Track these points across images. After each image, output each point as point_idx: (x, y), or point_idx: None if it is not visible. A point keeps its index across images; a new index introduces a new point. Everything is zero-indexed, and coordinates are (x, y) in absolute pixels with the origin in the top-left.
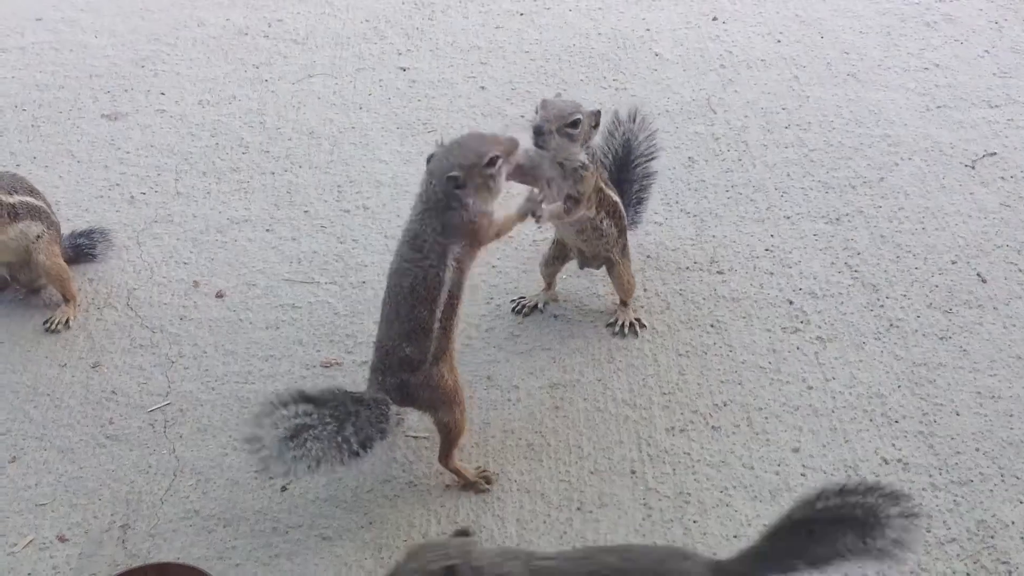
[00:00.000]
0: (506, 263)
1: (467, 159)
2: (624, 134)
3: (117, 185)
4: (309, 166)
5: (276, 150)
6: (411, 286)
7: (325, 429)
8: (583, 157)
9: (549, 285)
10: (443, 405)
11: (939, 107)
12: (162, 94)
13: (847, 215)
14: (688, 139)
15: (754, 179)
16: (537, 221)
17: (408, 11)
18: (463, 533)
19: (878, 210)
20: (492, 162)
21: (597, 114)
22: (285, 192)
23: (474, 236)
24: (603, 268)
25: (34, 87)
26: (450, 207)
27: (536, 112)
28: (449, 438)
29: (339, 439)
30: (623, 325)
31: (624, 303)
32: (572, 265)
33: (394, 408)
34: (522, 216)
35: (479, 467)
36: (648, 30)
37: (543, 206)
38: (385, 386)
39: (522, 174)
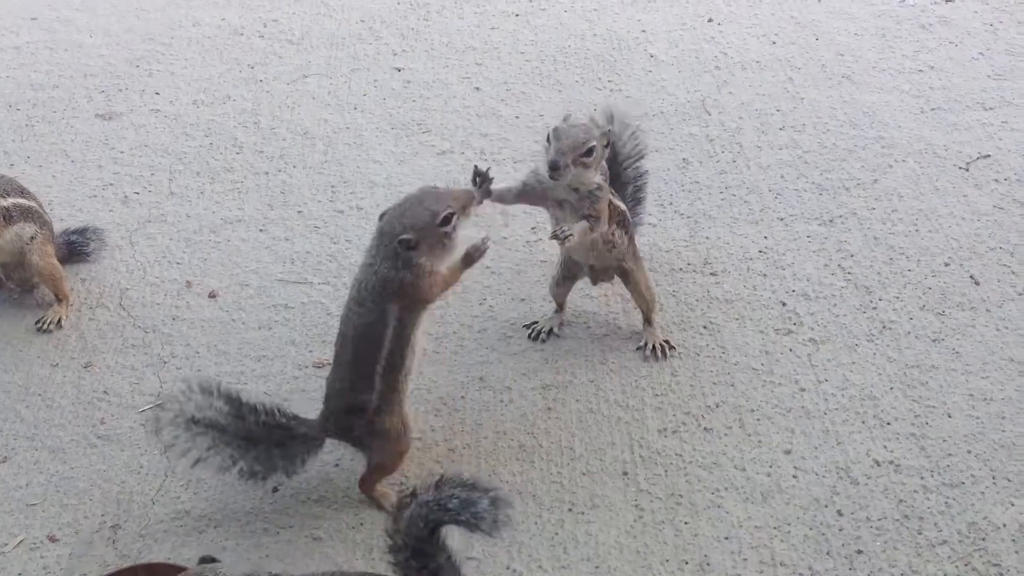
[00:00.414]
0: (500, 264)
1: (420, 219)
2: (606, 137)
3: (111, 185)
4: (303, 166)
5: (270, 150)
6: (354, 336)
7: (227, 440)
8: (599, 179)
9: (560, 306)
10: (382, 451)
11: (933, 109)
12: (157, 94)
13: (841, 217)
14: (682, 140)
15: (748, 181)
16: (563, 243)
17: (403, 11)
18: (207, 560)
19: (872, 212)
20: (447, 220)
21: (608, 134)
22: (279, 192)
23: (417, 296)
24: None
25: (29, 87)
26: (396, 267)
27: (548, 142)
28: (379, 473)
29: (233, 456)
30: (652, 348)
31: (648, 320)
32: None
33: (322, 450)
34: (468, 263)
35: (402, 488)
36: (643, 31)
37: (565, 228)
38: (328, 425)
39: (531, 196)
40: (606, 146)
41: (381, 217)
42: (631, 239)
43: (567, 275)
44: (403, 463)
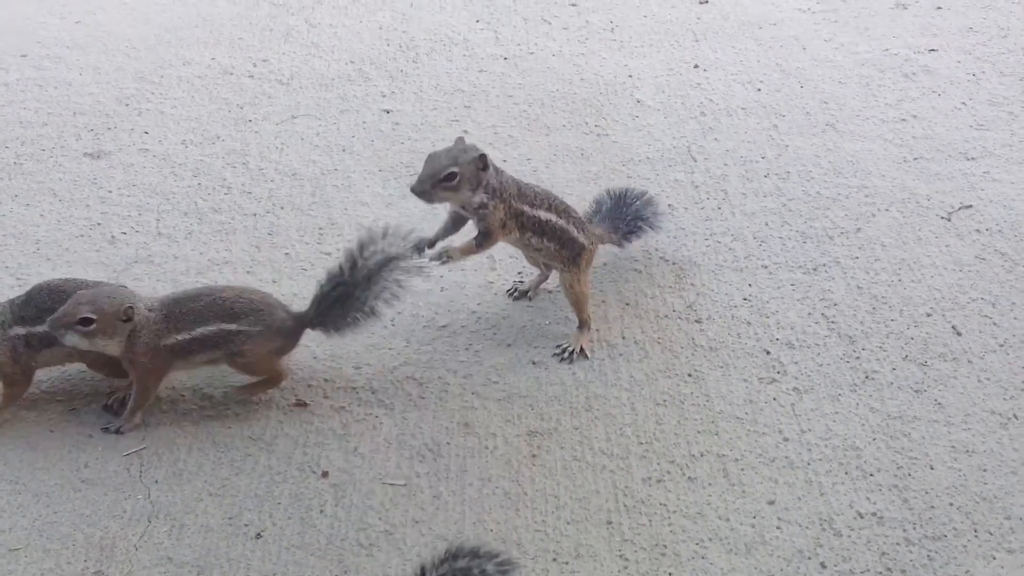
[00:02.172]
0: (486, 309)
1: None
2: (482, 160)
3: (98, 224)
4: (291, 208)
5: (258, 191)
6: None
7: None
8: (479, 198)
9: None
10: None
11: (916, 159)
12: (146, 133)
13: (824, 265)
14: (668, 186)
15: (733, 228)
16: (445, 262)
17: (392, 53)
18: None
19: (855, 261)
20: None
21: (481, 158)
22: (266, 234)
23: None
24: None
25: (17, 124)
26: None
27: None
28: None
29: None
30: (568, 351)
31: (580, 325)
32: (553, 312)
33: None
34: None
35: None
36: (630, 76)
37: (449, 249)
38: None
39: (459, 221)
40: (483, 168)
41: None
42: (564, 246)
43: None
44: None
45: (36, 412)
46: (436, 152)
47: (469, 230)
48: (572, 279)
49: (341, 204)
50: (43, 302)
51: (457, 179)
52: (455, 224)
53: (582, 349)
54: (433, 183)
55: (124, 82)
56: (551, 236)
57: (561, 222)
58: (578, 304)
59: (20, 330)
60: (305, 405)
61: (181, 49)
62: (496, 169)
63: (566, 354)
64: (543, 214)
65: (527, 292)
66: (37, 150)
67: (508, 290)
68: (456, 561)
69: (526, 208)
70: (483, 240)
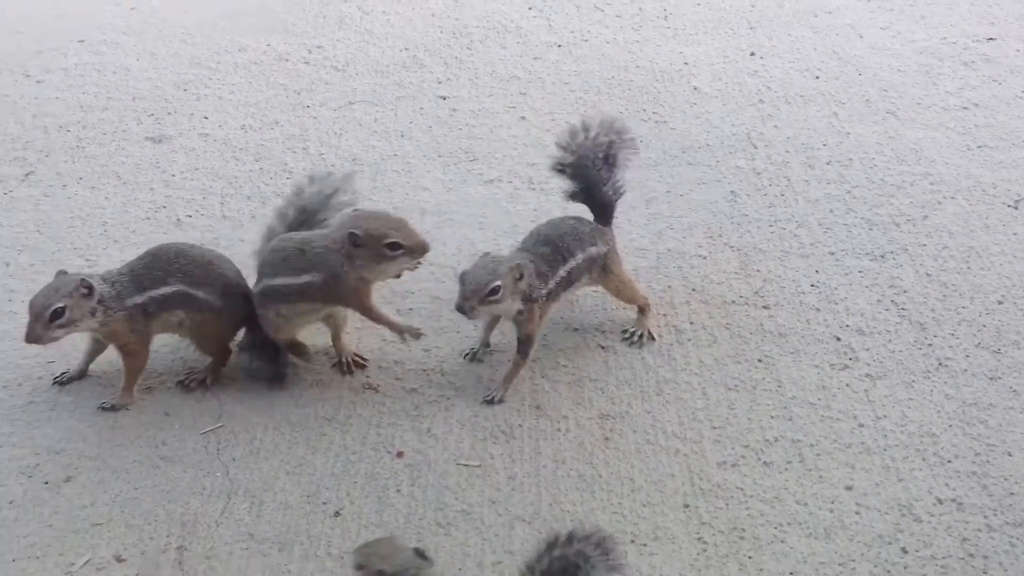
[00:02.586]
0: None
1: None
2: (518, 269)
3: (163, 207)
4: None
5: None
6: None
7: None
8: (518, 306)
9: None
10: None
11: (979, 147)
12: (205, 118)
13: (892, 252)
14: (730, 173)
15: (797, 214)
16: (500, 400)
17: (446, 40)
18: (421, 555)
19: (923, 248)
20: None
21: (518, 267)
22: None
23: None
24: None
25: (78, 108)
26: None
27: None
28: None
29: None
30: (637, 334)
31: (641, 311)
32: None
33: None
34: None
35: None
36: (686, 64)
37: (500, 388)
38: None
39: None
40: (520, 278)
41: None
42: (590, 269)
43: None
44: None
45: (113, 390)
46: (471, 270)
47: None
48: (612, 282)
49: (402, 189)
50: (166, 265)
51: (501, 292)
52: (492, 323)
53: (649, 332)
54: (480, 299)
55: (181, 68)
56: (578, 276)
57: (579, 257)
58: (629, 295)
59: (138, 299)
60: (376, 389)
61: (236, 36)
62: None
63: (635, 338)
64: (562, 271)
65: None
66: (99, 134)
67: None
68: (554, 551)
69: (550, 285)
70: (526, 347)
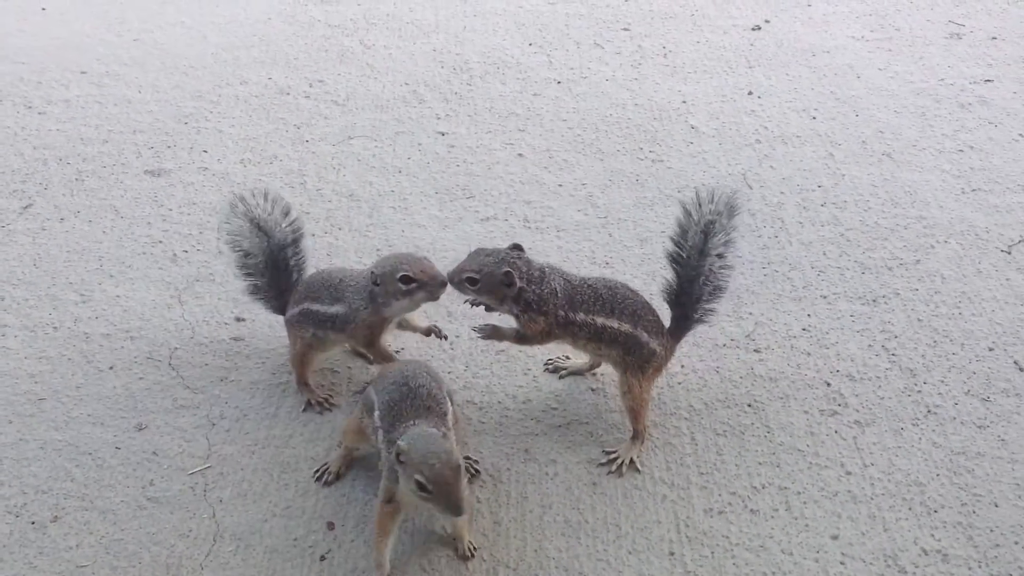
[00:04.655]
0: None
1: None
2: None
3: (160, 242)
4: (349, 229)
5: (316, 211)
6: None
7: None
8: (509, 308)
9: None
10: None
11: (974, 190)
12: (204, 151)
13: (884, 297)
14: None
15: (790, 257)
16: (489, 337)
17: (447, 76)
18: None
19: (915, 293)
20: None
21: (506, 275)
22: (325, 254)
23: None
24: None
25: (78, 140)
26: None
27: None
28: None
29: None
30: (618, 462)
31: (634, 436)
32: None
33: None
34: None
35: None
36: (684, 102)
37: (503, 328)
38: None
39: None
40: (508, 285)
41: None
42: (629, 352)
43: None
44: None
45: (102, 429)
46: (481, 249)
47: None
48: (634, 384)
49: (398, 226)
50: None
51: (478, 285)
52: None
53: (632, 461)
54: (460, 279)
55: (182, 100)
56: (611, 343)
57: (627, 327)
58: (636, 413)
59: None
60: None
61: (238, 68)
62: (540, 276)
63: (615, 466)
64: (601, 320)
65: (560, 372)
66: (98, 167)
67: (546, 363)
68: None
69: (579, 316)
70: (522, 340)
